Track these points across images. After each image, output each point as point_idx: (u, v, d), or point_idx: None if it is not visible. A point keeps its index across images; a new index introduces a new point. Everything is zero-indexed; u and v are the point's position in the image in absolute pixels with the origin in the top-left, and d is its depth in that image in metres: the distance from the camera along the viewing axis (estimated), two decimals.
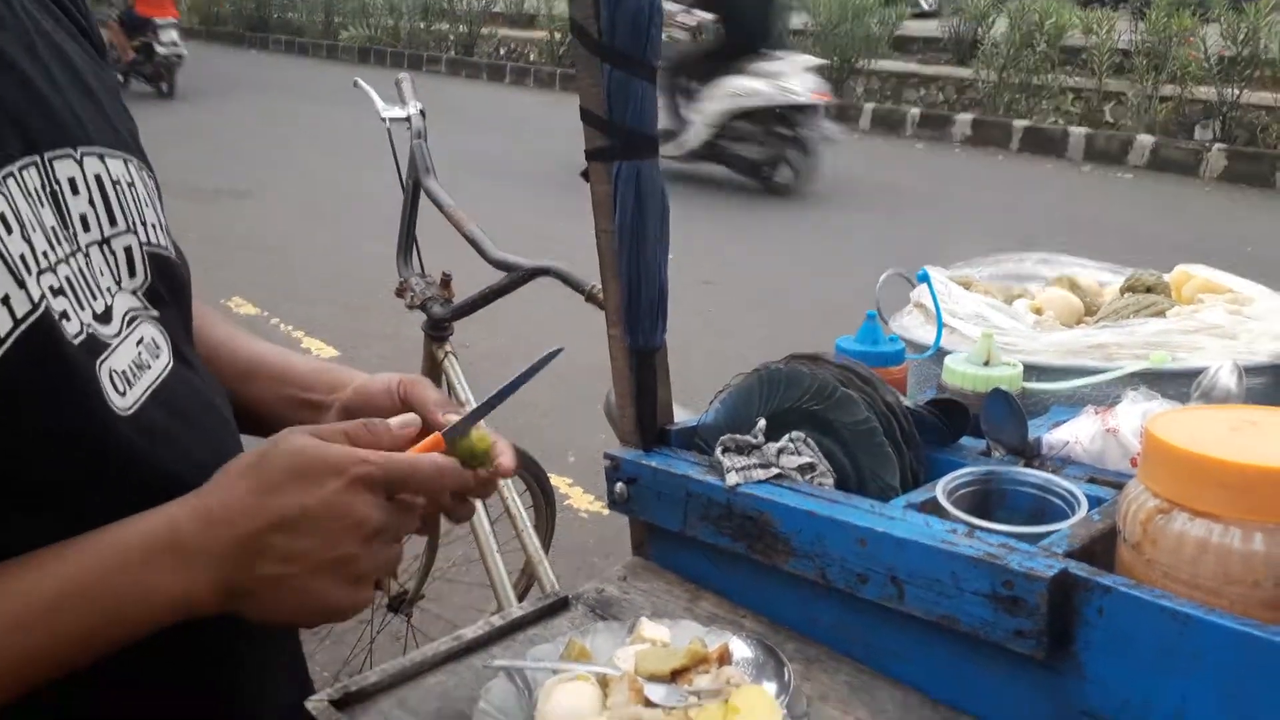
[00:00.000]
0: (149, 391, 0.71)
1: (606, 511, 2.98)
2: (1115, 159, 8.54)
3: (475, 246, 1.85)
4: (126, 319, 0.72)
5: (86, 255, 0.70)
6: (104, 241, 0.72)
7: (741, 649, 0.77)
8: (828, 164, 7.33)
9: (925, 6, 12.92)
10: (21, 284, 0.62)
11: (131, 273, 0.74)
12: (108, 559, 0.63)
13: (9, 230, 0.63)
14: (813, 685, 0.80)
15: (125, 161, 0.76)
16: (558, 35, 13.21)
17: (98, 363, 0.67)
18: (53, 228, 0.67)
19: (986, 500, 0.89)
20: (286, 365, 0.91)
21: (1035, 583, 0.70)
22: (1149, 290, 1.39)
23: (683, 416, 1.03)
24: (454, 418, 0.79)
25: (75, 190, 0.70)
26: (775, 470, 0.89)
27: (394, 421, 0.71)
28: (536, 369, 0.79)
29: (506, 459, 0.77)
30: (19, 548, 0.63)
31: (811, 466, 0.90)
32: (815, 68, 7.33)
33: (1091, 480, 0.90)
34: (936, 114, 9.94)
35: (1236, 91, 8.21)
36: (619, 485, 0.97)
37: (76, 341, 0.66)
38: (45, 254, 0.65)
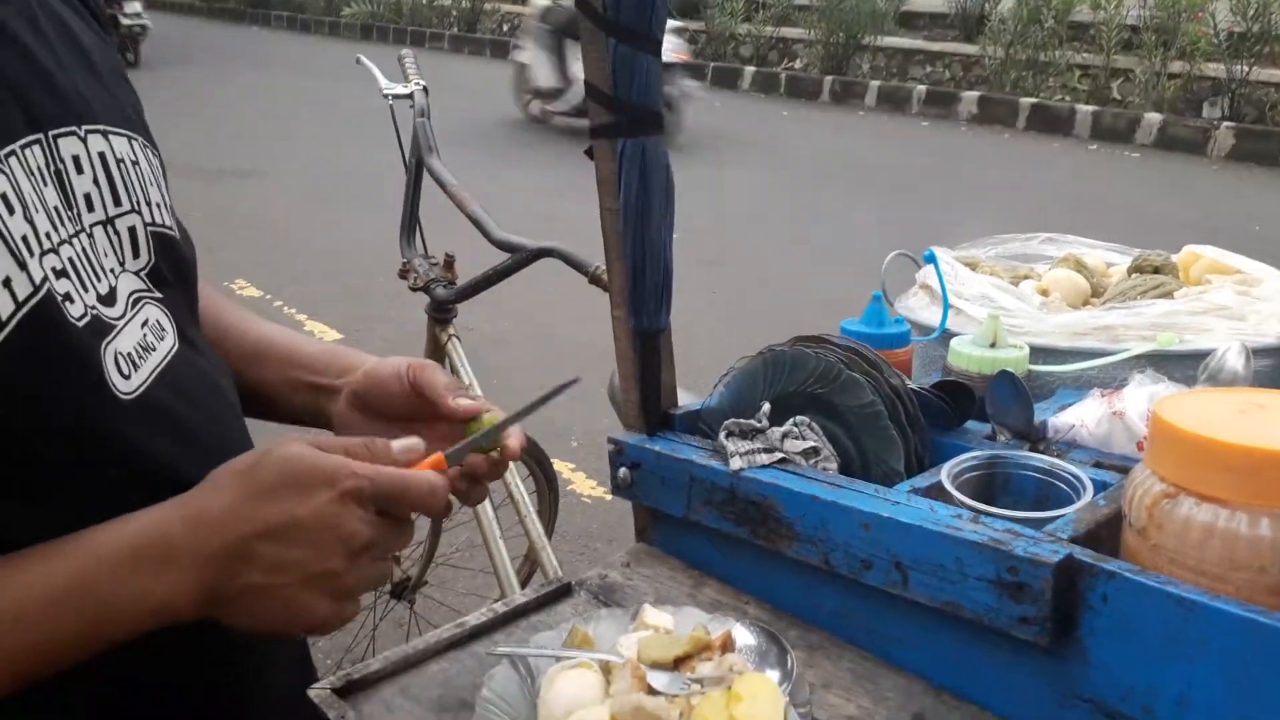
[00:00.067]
0: (155, 373, 0.71)
1: (609, 496, 2.98)
2: (1122, 137, 8.48)
3: (478, 227, 1.83)
4: (131, 300, 0.71)
5: (90, 235, 0.69)
6: (108, 221, 0.71)
7: (745, 636, 0.77)
8: (689, 118, 8.16)
9: None
10: (23, 266, 0.62)
11: (135, 253, 0.73)
12: (97, 561, 0.62)
13: (10, 211, 0.62)
14: (816, 672, 0.80)
15: (130, 139, 0.75)
16: None
17: (103, 345, 0.67)
18: (56, 207, 0.66)
19: (991, 484, 0.89)
20: (296, 348, 0.90)
21: (1040, 569, 0.69)
22: (1156, 271, 1.37)
23: (686, 400, 1.02)
24: (465, 402, 0.79)
25: (80, 169, 0.69)
26: (779, 455, 0.89)
27: (397, 445, 0.70)
28: (549, 397, 0.77)
29: (514, 441, 0.77)
30: (16, 536, 0.62)
31: (815, 451, 0.89)
32: (675, 29, 8.27)
33: (1097, 464, 0.89)
34: (942, 91, 9.88)
35: (1246, 68, 8.14)
36: (622, 470, 0.96)
37: (81, 324, 0.65)
38: (48, 234, 0.65)
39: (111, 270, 0.70)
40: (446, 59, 13.29)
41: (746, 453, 0.88)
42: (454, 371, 1.92)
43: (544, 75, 8.70)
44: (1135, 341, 1.15)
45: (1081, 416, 0.94)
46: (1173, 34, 8.54)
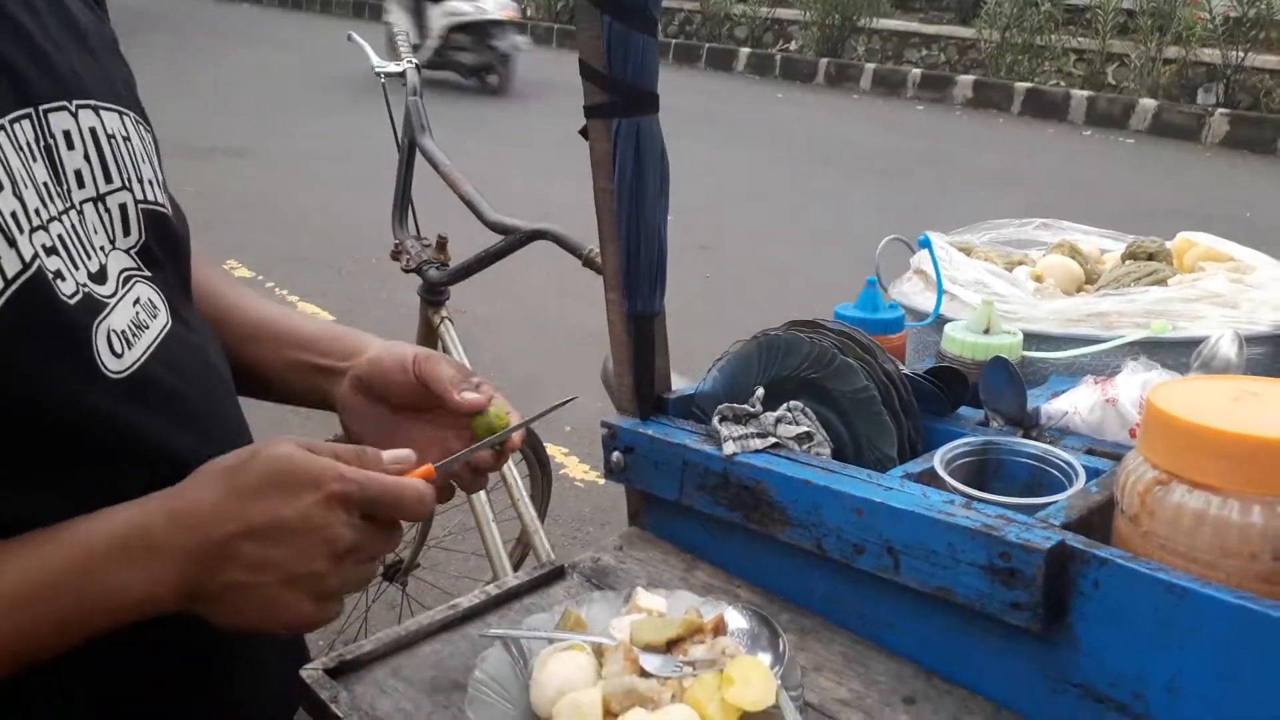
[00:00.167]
0: (149, 351, 0.70)
1: (602, 481, 2.99)
2: (1117, 123, 8.47)
3: (471, 208, 1.82)
4: (122, 278, 0.71)
5: (80, 212, 0.68)
6: (99, 199, 0.70)
7: (737, 619, 0.77)
8: (519, 71, 9.48)
9: None
10: (12, 243, 0.61)
11: (126, 231, 0.73)
12: (85, 552, 0.62)
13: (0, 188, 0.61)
14: (807, 656, 0.80)
15: (122, 115, 0.74)
16: None
17: (95, 323, 0.66)
18: (45, 183, 0.65)
19: (984, 471, 0.89)
20: (298, 329, 0.90)
21: (1032, 554, 0.69)
22: (1150, 258, 1.38)
23: (680, 384, 1.02)
24: (470, 396, 0.79)
25: (70, 145, 0.68)
26: (772, 439, 0.89)
27: (388, 455, 0.70)
28: (546, 413, 0.79)
29: (516, 434, 0.78)
30: (11, 516, 0.62)
31: (809, 436, 0.89)
32: None
33: (1090, 451, 0.90)
34: (938, 75, 9.85)
35: (1241, 54, 8.13)
36: (615, 454, 0.96)
37: (73, 301, 0.65)
38: (37, 211, 0.64)
39: (101, 248, 0.70)
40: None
41: (740, 437, 0.88)
42: (446, 354, 1.92)
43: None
44: (1129, 328, 1.16)
45: (1074, 403, 0.95)
46: (1169, 19, 8.52)
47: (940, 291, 1.23)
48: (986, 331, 1.10)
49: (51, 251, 0.64)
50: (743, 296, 4.63)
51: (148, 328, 0.71)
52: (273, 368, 0.88)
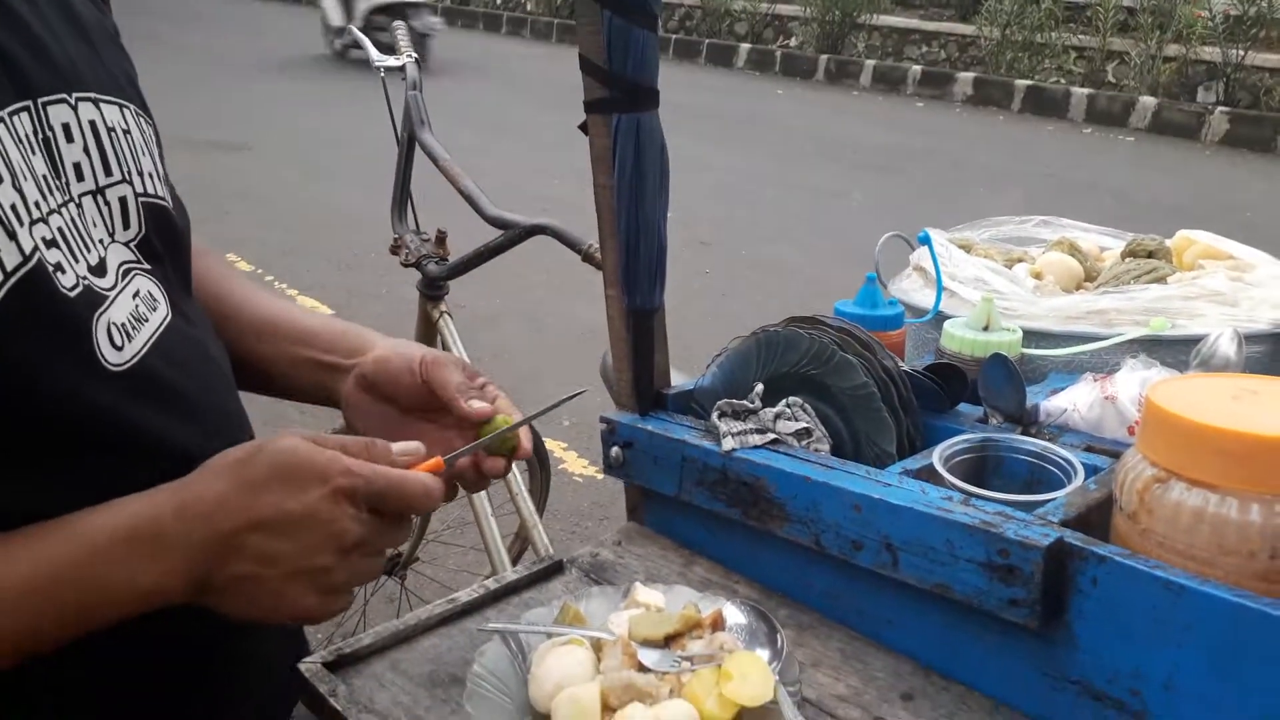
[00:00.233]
0: (148, 344, 0.70)
1: (601, 475, 2.99)
2: (1117, 121, 8.47)
3: (471, 203, 1.82)
4: (121, 271, 0.71)
5: (79, 205, 0.68)
6: (98, 191, 0.70)
7: (735, 615, 0.77)
8: (434, 51, 10.05)
9: None
10: (12, 235, 0.61)
11: (126, 224, 0.73)
12: (90, 544, 0.62)
13: None
14: (805, 652, 0.80)
15: (122, 108, 0.74)
16: None
17: (95, 316, 0.66)
18: (44, 176, 0.65)
19: (983, 467, 0.89)
20: (304, 325, 0.90)
21: (1031, 552, 0.69)
22: (1150, 255, 1.38)
23: (679, 380, 1.02)
24: (477, 404, 0.79)
25: (69, 138, 0.68)
26: (771, 436, 0.89)
27: (397, 448, 0.70)
28: (553, 407, 0.79)
29: (525, 441, 0.78)
30: (14, 510, 0.62)
31: (808, 432, 0.89)
32: None
33: (1088, 448, 0.90)
34: (938, 72, 9.84)
35: (1241, 53, 8.12)
36: (614, 449, 0.96)
37: (73, 294, 0.65)
38: (37, 204, 0.64)
39: (100, 241, 0.70)
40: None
41: (739, 433, 0.88)
42: (445, 350, 1.92)
43: (334, 15, 10.57)
44: (1128, 326, 1.16)
45: (1073, 400, 0.95)
46: (1169, 17, 8.51)
47: (940, 288, 1.23)
48: (986, 328, 1.10)
49: (51, 244, 0.64)
50: (742, 292, 4.63)
51: (147, 321, 0.71)
52: (275, 363, 0.88)
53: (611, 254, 0.91)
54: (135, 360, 0.69)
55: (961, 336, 1.09)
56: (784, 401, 0.91)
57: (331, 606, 0.66)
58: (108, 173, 0.71)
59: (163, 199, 0.77)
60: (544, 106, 8.57)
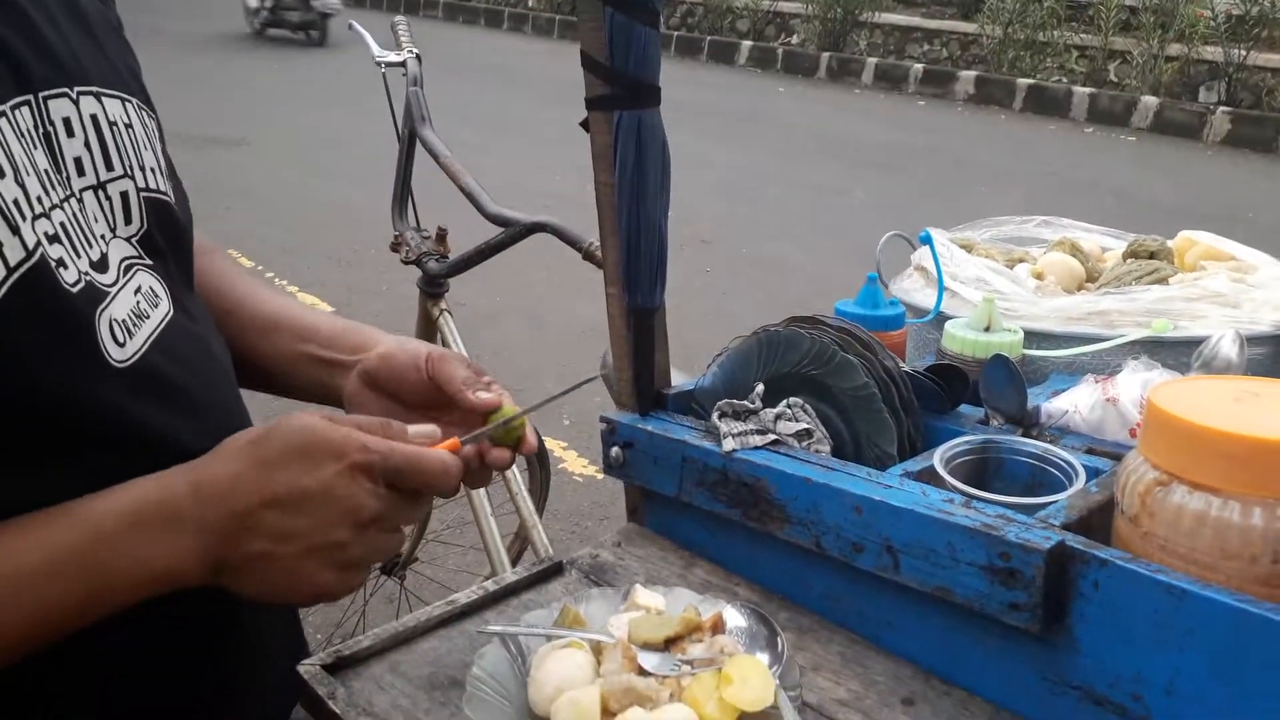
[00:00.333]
0: (150, 340, 0.70)
1: (601, 475, 2.99)
2: (1119, 120, 8.46)
3: (471, 200, 1.81)
4: (123, 267, 0.70)
5: (80, 200, 0.68)
6: (99, 186, 0.70)
7: (735, 618, 0.77)
8: (333, 30, 11.49)
9: None
10: (15, 230, 0.60)
11: (127, 219, 0.72)
12: (99, 527, 0.62)
13: (1, 175, 0.61)
14: (806, 655, 0.80)
15: (124, 102, 0.74)
16: None
17: (98, 311, 0.66)
18: (46, 171, 0.65)
19: (984, 469, 0.89)
20: (307, 322, 0.89)
21: (1032, 555, 0.69)
22: (1152, 256, 1.37)
23: (680, 379, 1.02)
24: (484, 395, 0.78)
25: (70, 132, 0.68)
26: (772, 436, 0.88)
27: (413, 430, 0.69)
28: (566, 393, 0.79)
29: (530, 435, 0.78)
30: (15, 507, 0.62)
31: (809, 433, 0.89)
32: None
33: (1090, 451, 0.89)
34: (940, 70, 9.84)
35: (1243, 52, 8.11)
36: (615, 449, 0.96)
37: (75, 290, 0.64)
38: (39, 199, 0.63)
39: (102, 236, 0.69)
40: (440, 27, 13.36)
41: (739, 434, 0.88)
42: (445, 346, 1.91)
43: None
44: (1130, 327, 1.15)
45: (1075, 402, 0.94)
46: (1171, 16, 8.50)
47: (941, 288, 1.23)
48: (987, 329, 1.09)
49: (54, 239, 0.64)
50: (743, 291, 4.62)
51: (149, 317, 0.71)
52: (277, 360, 0.88)
53: (612, 252, 0.91)
54: (137, 357, 0.68)
55: (963, 337, 1.08)
56: (785, 402, 0.91)
57: (350, 582, 0.66)
58: (109, 167, 0.71)
59: (165, 194, 0.77)
60: (545, 103, 8.56)
